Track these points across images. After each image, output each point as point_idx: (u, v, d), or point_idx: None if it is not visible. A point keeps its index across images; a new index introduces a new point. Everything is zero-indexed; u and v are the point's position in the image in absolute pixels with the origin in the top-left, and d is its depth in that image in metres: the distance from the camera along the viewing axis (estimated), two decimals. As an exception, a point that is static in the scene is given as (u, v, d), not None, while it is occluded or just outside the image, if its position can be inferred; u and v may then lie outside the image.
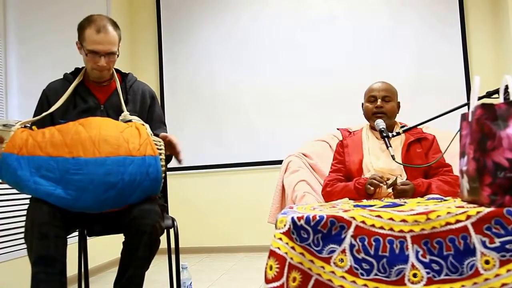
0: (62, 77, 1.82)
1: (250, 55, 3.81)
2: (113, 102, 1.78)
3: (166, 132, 1.87)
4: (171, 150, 1.66)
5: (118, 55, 1.74)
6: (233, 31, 3.86)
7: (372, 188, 1.67)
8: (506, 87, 1.21)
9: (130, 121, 1.65)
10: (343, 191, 1.79)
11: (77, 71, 1.83)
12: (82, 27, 1.70)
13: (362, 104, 2.00)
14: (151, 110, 1.87)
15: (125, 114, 1.68)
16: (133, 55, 4.04)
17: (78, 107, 1.74)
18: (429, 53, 3.48)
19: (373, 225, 1.04)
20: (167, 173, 1.67)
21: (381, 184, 1.67)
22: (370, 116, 1.92)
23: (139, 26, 4.09)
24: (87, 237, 1.86)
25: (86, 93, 1.77)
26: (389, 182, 1.68)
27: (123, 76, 1.87)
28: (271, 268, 1.05)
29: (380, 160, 1.83)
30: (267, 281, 1.04)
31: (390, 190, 1.70)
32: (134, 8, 4.10)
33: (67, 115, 1.72)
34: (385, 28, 3.57)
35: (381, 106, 1.88)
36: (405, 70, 3.50)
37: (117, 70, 1.86)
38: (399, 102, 1.97)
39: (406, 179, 1.75)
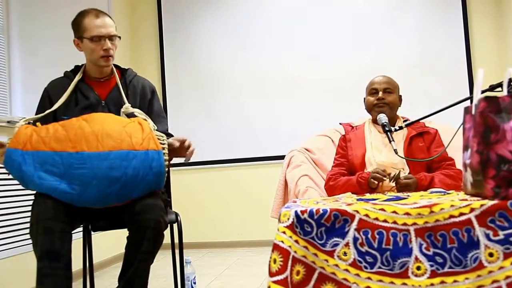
0: (62, 75, 1.83)
1: (252, 47, 3.79)
2: (113, 97, 1.79)
3: (167, 125, 1.88)
4: (180, 151, 1.67)
5: (120, 38, 1.78)
6: (234, 23, 3.84)
7: (376, 182, 1.68)
8: (510, 80, 1.21)
9: (132, 113, 1.65)
10: (346, 185, 1.80)
11: (76, 68, 1.83)
12: (78, 21, 1.73)
13: (364, 99, 2.01)
14: (151, 104, 1.87)
15: (127, 106, 1.68)
16: (134, 49, 4.03)
17: (80, 104, 1.75)
18: (431, 44, 3.47)
19: (376, 218, 1.04)
20: (171, 168, 1.67)
21: (384, 178, 1.67)
22: (372, 108, 1.93)
23: (140, 19, 4.08)
24: (92, 232, 1.87)
25: (87, 89, 1.78)
26: (392, 175, 1.68)
27: (123, 72, 1.88)
28: (274, 261, 1.05)
29: (383, 153, 1.84)
30: (271, 274, 1.05)
31: (393, 184, 1.70)
32: (135, 1, 4.09)
33: (69, 112, 1.72)
34: (387, 19, 3.55)
35: (382, 97, 1.89)
36: (407, 62, 3.49)
37: (117, 66, 1.86)
38: (400, 96, 1.98)
39: (409, 173, 1.76)
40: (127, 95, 1.79)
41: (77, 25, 1.73)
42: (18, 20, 2.64)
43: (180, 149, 1.68)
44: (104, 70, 1.79)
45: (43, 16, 2.85)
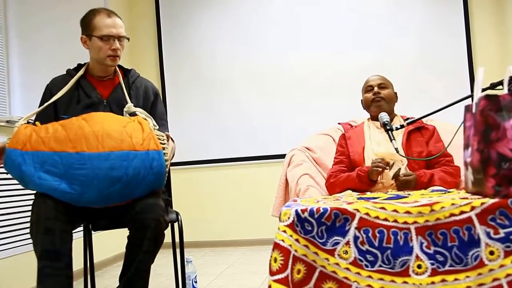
0: (65, 72, 1.83)
1: (252, 44, 3.78)
2: (116, 97, 1.78)
3: (167, 129, 1.88)
4: None
5: (128, 39, 1.78)
6: (234, 20, 3.83)
7: (379, 169, 1.69)
8: (511, 78, 1.20)
9: (134, 112, 1.65)
10: (346, 180, 1.81)
11: (79, 66, 1.83)
12: (88, 19, 1.73)
13: (361, 100, 2.06)
14: (153, 107, 1.87)
15: (129, 105, 1.68)
16: (132, 48, 4.01)
17: (82, 102, 1.75)
18: (432, 42, 3.47)
19: (377, 217, 1.04)
20: (171, 167, 1.67)
21: (386, 168, 1.68)
22: (370, 103, 1.98)
23: (137, 17, 4.06)
24: (92, 232, 1.87)
25: (89, 88, 1.78)
26: (392, 168, 1.69)
27: (126, 72, 1.87)
28: (275, 260, 1.05)
29: (381, 145, 1.87)
30: (272, 273, 1.05)
31: (392, 181, 1.71)
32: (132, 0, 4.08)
33: (71, 109, 1.72)
34: (389, 17, 3.55)
35: (378, 92, 1.95)
36: (408, 60, 3.49)
37: (119, 66, 1.86)
38: (396, 92, 2.03)
39: (407, 165, 1.78)
40: (129, 96, 1.79)
41: (87, 23, 1.72)
42: (16, 19, 2.64)
43: None
44: (108, 70, 1.79)
45: (41, 15, 2.85)
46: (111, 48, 1.71)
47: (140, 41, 4.04)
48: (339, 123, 2.28)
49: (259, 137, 3.75)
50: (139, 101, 1.81)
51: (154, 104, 1.88)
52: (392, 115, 1.97)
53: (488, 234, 0.97)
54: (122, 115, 1.68)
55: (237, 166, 3.80)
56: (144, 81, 1.90)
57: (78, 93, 1.76)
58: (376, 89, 1.96)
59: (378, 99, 1.94)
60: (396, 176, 1.69)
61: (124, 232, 1.58)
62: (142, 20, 4.05)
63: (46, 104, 1.68)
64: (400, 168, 1.71)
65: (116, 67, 1.82)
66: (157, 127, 1.64)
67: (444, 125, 2.06)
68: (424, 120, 2.01)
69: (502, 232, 0.96)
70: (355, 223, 1.05)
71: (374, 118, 1.96)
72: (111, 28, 1.70)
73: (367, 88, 2.01)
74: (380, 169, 1.69)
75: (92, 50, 1.75)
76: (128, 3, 4.04)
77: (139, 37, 4.04)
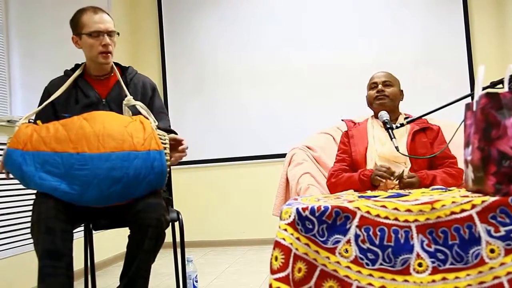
0: (62, 73, 1.83)
1: (254, 43, 3.78)
2: (114, 95, 1.78)
3: (169, 122, 1.88)
4: (175, 147, 1.64)
5: (118, 34, 1.77)
6: (235, 20, 3.84)
7: (382, 180, 1.68)
8: (511, 77, 1.20)
9: (134, 106, 1.65)
10: (348, 182, 1.80)
11: (76, 66, 1.83)
12: (76, 18, 1.74)
13: (366, 97, 2.02)
14: (152, 101, 1.87)
15: (129, 98, 1.68)
16: (135, 48, 4.02)
17: (81, 102, 1.75)
18: (432, 41, 3.47)
19: (378, 215, 1.04)
20: (172, 166, 1.67)
21: (391, 178, 1.67)
22: (373, 101, 1.96)
23: (140, 18, 4.06)
24: (93, 231, 1.87)
25: (87, 87, 1.77)
26: (396, 175, 1.68)
27: (123, 70, 1.87)
28: (276, 259, 1.05)
29: (385, 146, 1.84)
30: (272, 271, 1.05)
31: (396, 182, 1.70)
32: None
33: (70, 109, 1.72)
34: (390, 16, 3.55)
35: (382, 89, 1.93)
36: (408, 58, 3.49)
37: (117, 64, 1.86)
38: (402, 90, 2.00)
39: (410, 168, 1.77)
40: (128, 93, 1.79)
41: (76, 22, 1.73)
42: (17, 20, 2.64)
43: (173, 148, 1.64)
44: (104, 68, 1.79)
45: (42, 15, 2.85)
46: (101, 44, 1.71)
47: (142, 42, 4.05)
48: (342, 120, 2.26)
49: (260, 136, 3.75)
50: (137, 98, 1.81)
51: (153, 98, 1.87)
52: (396, 113, 1.96)
53: (488, 232, 0.97)
54: (122, 113, 1.67)
55: (238, 165, 3.80)
56: (142, 77, 1.89)
57: (76, 93, 1.76)
58: (380, 86, 1.93)
59: (381, 97, 1.92)
60: (399, 178, 1.68)
61: (124, 232, 1.58)
62: (145, 21, 4.06)
63: (44, 103, 1.68)
64: (403, 170, 1.71)
65: (113, 65, 1.82)
66: (157, 123, 1.63)
67: (445, 124, 2.06)
68: (427, 119, 2.01)
69: (502, 230, 0.96)
70: (356, 221, 1.05)
71: (378, 116, 1.94)
72: (99, 24, 1.70)
73: (371, 85, 1.98)
74: (383, 179, 1.68)
75: (84, 49, 1.75)
76: (130, 4, 4.04)
77: (141, 38, 4.05)
